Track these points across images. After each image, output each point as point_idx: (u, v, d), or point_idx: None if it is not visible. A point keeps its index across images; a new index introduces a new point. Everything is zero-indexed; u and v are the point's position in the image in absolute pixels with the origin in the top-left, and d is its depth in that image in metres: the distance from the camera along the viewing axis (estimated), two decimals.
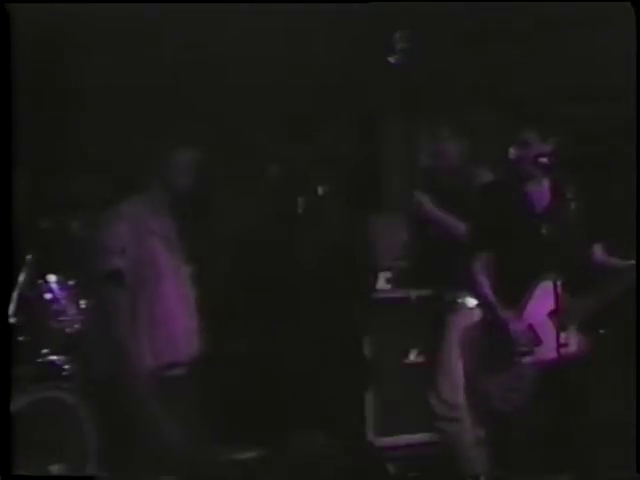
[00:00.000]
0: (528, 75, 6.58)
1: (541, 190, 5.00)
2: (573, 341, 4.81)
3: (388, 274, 6.65)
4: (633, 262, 4.91)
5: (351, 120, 7.30)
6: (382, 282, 6.64)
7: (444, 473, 5.84)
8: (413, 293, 6.43)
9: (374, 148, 7.67)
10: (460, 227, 5.54)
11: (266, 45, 6.47)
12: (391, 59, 5.90)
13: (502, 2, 6.04)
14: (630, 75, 5.04)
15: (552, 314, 4.83)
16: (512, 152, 4.92)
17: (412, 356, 6.53)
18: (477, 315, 5.26)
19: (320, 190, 5.53)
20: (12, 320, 5.36)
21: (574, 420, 4.78)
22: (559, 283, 4.80)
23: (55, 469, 5.33)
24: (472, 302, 5.41)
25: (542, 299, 4.86)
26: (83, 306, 5.68)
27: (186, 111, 6.66)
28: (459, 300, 5.58)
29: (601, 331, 6.27)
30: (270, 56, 6.55)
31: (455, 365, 5.44)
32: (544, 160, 4.84)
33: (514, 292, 4.90)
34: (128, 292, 4.35)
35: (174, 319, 4.39)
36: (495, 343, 4.87)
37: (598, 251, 5.10)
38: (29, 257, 5.56)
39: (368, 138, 7.60)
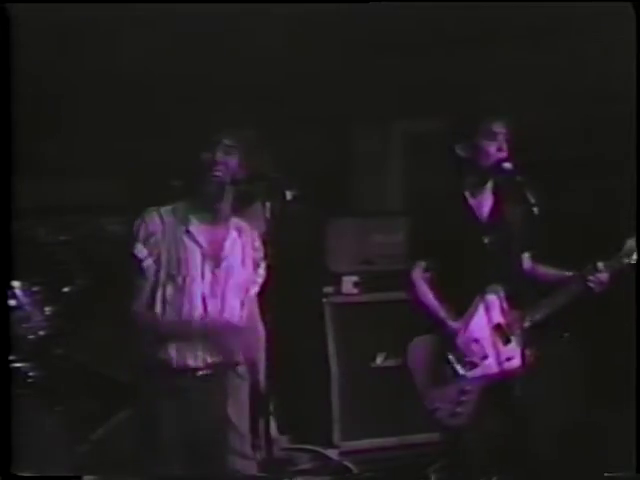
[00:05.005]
0: (527, 75, 6.59)
1: (485, 198, 4.93)
2: (518, 354, 4.77)
3: (355, 278, 6.66)
4: (574, 273, 4.85)
5: (321, 123, 7.29)
6: (349, 286, 6.65)
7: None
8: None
9: (344, 151, 7.68)
10: None
11: (262, 45, 6.43)
12: None
13: (502, 2, 6.01)
14: (630, 75, 5.05)
15: (497, 327, 4.83)
16: (482, 142, 4.79)
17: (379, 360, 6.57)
18: None
19: (288, 195, 5.47)
20: None
21: (524, 430, 4.78)
22: (503, 296, 4.81)
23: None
24: None
25: (487, 312, 4.82)
26: (48, 312, 5.70)
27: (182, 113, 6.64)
28: None
29: (565, 334, 6.34)
30: (267, 57, 6.51)
31: None
32: (507, 165, 4.77)
33: (458, 305, 4.84)
34: (149, 283, 4.34)
35: (193, 321, 4.36)
36: (443, 355, 4.83)
37: (527, 261, 5.02)
38: None
39: (338, 141, 7.61)
